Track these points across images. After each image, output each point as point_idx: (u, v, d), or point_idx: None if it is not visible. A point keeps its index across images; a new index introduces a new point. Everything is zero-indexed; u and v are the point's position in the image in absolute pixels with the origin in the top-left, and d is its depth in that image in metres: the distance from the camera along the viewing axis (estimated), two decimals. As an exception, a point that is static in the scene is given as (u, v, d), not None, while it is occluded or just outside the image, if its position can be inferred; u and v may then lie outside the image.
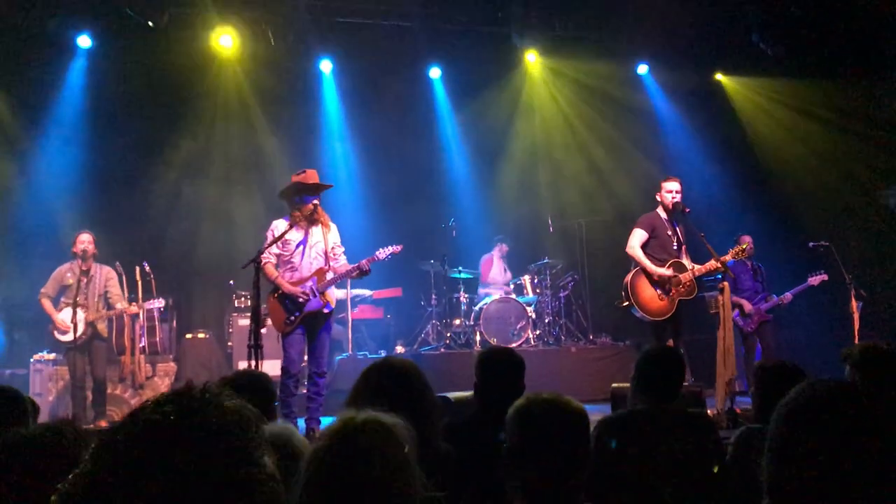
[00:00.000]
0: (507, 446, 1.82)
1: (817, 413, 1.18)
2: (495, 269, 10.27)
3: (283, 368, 6.29)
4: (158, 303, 7.94)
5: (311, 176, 6.47)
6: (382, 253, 6.46)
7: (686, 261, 6.80)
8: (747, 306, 8.25)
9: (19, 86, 9.35)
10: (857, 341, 7.33)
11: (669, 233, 6.83)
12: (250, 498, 0.97)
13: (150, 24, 9.20)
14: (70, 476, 0.94)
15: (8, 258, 8.90)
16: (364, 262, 6.29)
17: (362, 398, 2.44)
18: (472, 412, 3.11)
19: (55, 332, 7.43)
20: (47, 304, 7.44)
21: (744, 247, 6.83)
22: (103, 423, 7.12)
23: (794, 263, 9.05)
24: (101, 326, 7.52)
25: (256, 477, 0.98)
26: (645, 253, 6.79)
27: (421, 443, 1.68)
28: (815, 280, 8.33)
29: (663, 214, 6.88)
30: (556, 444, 1.76)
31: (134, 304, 7.72)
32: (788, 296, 8.32)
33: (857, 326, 7.60)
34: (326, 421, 6.32)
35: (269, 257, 6.29)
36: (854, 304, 7.67)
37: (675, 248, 6.83)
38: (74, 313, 7.22)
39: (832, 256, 8.04)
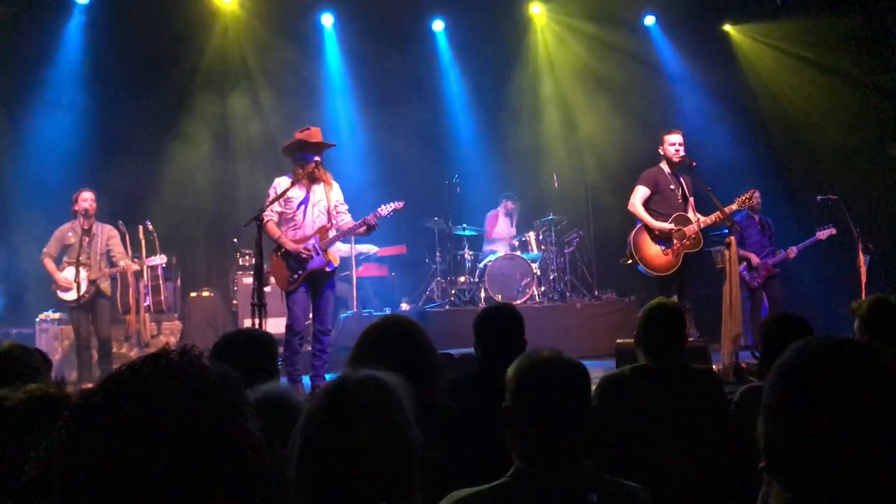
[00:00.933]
0: (506, 405, 1.79)
1: (813, 370, 1.13)
2: (500, 225, 10.21)
3: (287, 326, 6.30)
4: (161, 259, 7.94)
5: (315, 133, 6.40)
6: (384, 209, 6.43)
7: (691, 214, 6.73)
8: (755, 259, 8.18)
9: (15, 43, 9.21)
10: (864, 295, 7.29)
11: (673, 187, 6.75)
12: (235, 463, 0.93)
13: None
14: (44, 443, 0.90)
15: (8, 218, 8.88)
16: (370, 216, 6.26)
17: (363, 357, 2.42)
18: (473, 370, 3.09)
19: (58, 292, 7.42)
20: (49, 264, 7.41)
21: (749, 195, 6.73)
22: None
23: (802, 217, 8.97)
24: (105, 285, 7.51)
25: (241, 442, 0.94)
26: (648, 209, 6.72)
27: (422, 401, 1.65)
28: (822, 234, 8.26)
29: (666, 168, 6.79)
30: (556, 403, 1.73)
31: (136, 260, 7.72)
32: (794, 250, 8.26)
33: (864, 280, 7.55)
34: (331, 378, 6.36)
35: (270, 215, 6.24)
36: (861, 257, 7.62)
37: (680, 201, 6.75)
38: (77, 272, 7.22)
39: (840, 210, 7.96)
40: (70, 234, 7.42)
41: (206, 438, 0.91)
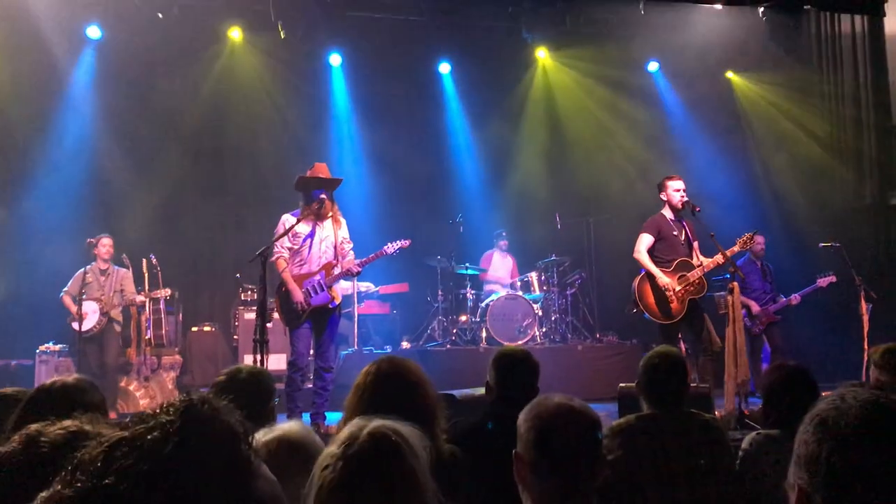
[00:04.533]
0: (516, 451, 1.79)
1: (858, 430, 1.15)
2: (497, 264, 10.24)
3: (289, 362, 6.31)
4: (165, 292, 8.18)
5: (321, 169, 6.48)
6: (391, 247, 6.48)
7: (695, 259, 6.74)
8: (755, 307, 8.22)
9: (28, 78, 9.33)
10: (866, 343, 7.29)
11: (676, 232, 6.76)
12: None
13: (160, 15, 9.18)
14: (54, 490, 0.91)
15: (8, 252, 8.93)
16: (388, 246, 6.36)
17: (362, 400, 2.40)
18: (486, 414, 3.06)
19: (73, 324, 7.71)
20: (67, 301, 7.86)
21: (749, 236, 6.75)
22: (112, 415, 7.15)
23: (803, 264, 8.99)
24: (115, 312, 7.95)
25: (252, 496, 0.95)
26: (653, 255, 6.72)
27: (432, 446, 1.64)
28: (823, 282, 8.30)
29: (669, 214, 6.80)
30: (571, 454, 1.73)
31: (142, 293, 8.06)
32: (797, 297, 8.29)
33: (866, 328, 7.55)
34: (332, 416, 6.31)
35: (281, 251, 6.30)
36: (864, 305, 7.63)
37: (684, 247, 6.77)
38: (83, 305, 7.53)
39: (842, 257, 8.00)
40: (89, 275, 7.82)
41: (224, 492, 0.92)
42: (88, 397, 2.43)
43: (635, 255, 6.78)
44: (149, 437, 0.94)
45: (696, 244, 6.83)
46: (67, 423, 1.59)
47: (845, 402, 1.18)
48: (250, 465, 0.99)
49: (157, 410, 0.98)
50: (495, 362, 3.17)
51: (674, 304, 6.56)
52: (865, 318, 7.58)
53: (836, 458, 1.14)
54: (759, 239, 8.56)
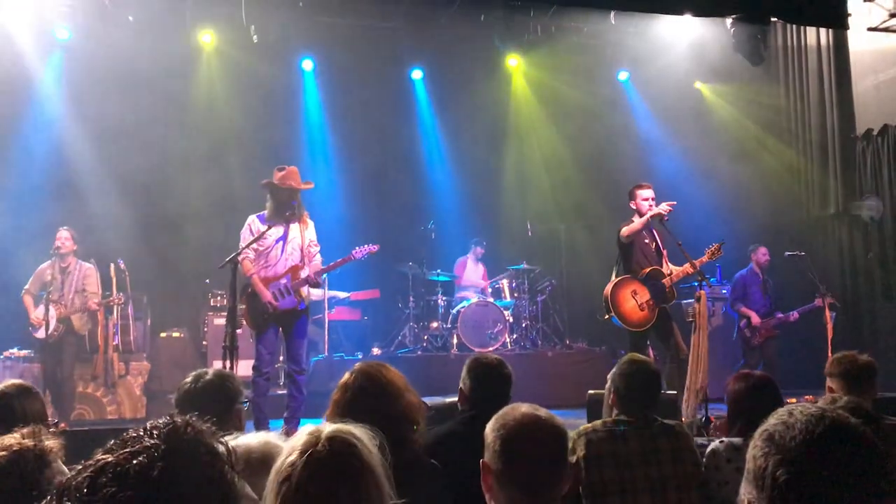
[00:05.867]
0: (483, 461, 1.81)
1: (801, 446, 1.17)
2: (470, 271, 10.28)
3: (254, 367, 6.22)
4: (118, 299, 7.73)
5: (292, 174, 6.41)
6: (359, 252, 6.45)
7: (665, 267, 6.82)
8: (755, 319, 8.41)
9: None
10: (830, 352, 7.41)
11: (647, 240, 6.85)
12: None
13: (130, 18, 9.09)
14: None
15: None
16: (356, 251, 6.32)
17: (337, 415, 2.40)
18: (458, 422, 3.07)
19: (31, 329, 7.45)
20: (27, 301, 7.51)
21: (717, 247, 6.83)
22: (64, 426, 7.03)
23: (769, 272, 9.10)
24: (78, 323, 7.50)
25: None
26: (626, 260, 6.79)
27: (397, 450, 1.65)
28: (820, 301, 8.43)
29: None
30: (537, 465, 1.75)
31: (120, 296, 7.71)
32: (795, 314, 8.48)
33: (830, 335, 7.68)
34: (305, 423, 6.26)
35: (247, 252, 6.22)
36: (828, 314, 7.77)
37: (655, 254, 6.85)
38: (47, 310, 7.23)
39: (807, 266, 8.15)
40: (48, 271, 7.45)
41: None
42: (27, 404, 2.40)
43: (624, 232, 6.75)
44: (134, 461, 0.94)
45: (665, 253, 6.91)
46: (9, 441, 1.58)
47: (792, 417, 1.21)
48: (234, 486, 1.00)
49: (141, 433, 0.98)
50: (470, 370, 3.18)
51: (644, 313, 6.64)
52: (829, 326, 7.72)
53: (781, 471, 1.16)
54: (763, 250, 8.77)
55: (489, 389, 3.09)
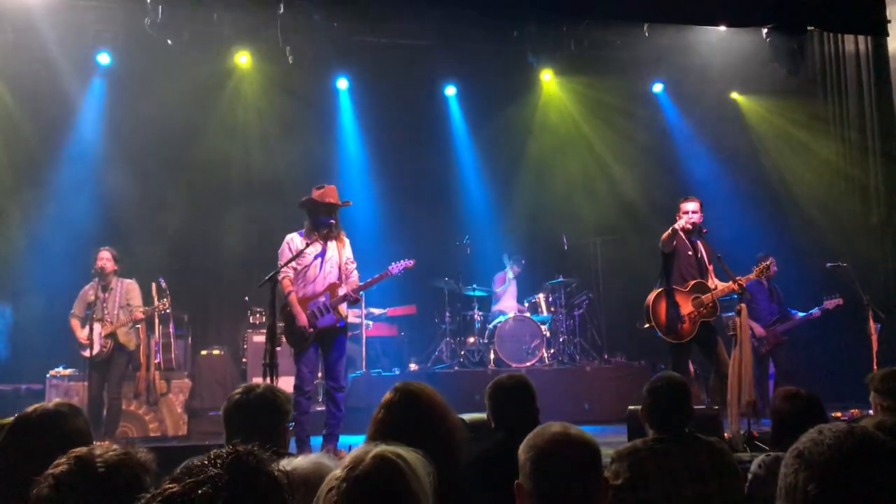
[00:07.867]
0: (518, 483, 1.82)
1: (831, 467, 1.20)
2: (509, 286, 10.25)
3: (295, 386, 6.25)
4: (163, 305, 7.79)
5: (330, 192, 6.46)
6: (395, 267, 6.49)
7: (710, 281, 6.74)
8: (759, 330, 8.25)
9: (40, 104, 9.44)
10: (875, 364, 7.27)
11: (690, 252, 6.76)
12: None
13: (169, 42, 9.28)
14: None
15: (30, 274, 8.99)
16: (393, 266, 6.35)
17: (380, 433, 2.41)
18: (491, 445, 3.08)
19: (79, 348, 7.56)
20: (74, 323, 7.61)
21: (767, 264, 6.77)
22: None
23: (809, 284, 8.98)
24: (125, 338, 7.57)
25: None
26: (669, 273, 6.71)
27: (441, 471, 1.66)
28: (830, 304, 8.34)
29: (682, 234, 6.81)
30: (569, 485, 1.75)
31: (162, 303, 7.76)
32: (817, 312, 8.36)
33: (875, 348, 7.53)
34: (345, 439, 6.29)
35: (287, 271, 6.29)
36: (872, 325, 7.62)
37: (697, 267, 6.76)
38: (91, 329, 7.36)
39: (850, 277, 8.00)
40: (91, 292, 7.58)
41: None
42: (71, 423, 2.43)
43: (664, 238, 6.69)
44: (199, 491, 0.97)
45: (710, 267, 6.82)
46: (113, 445, 1.64)
47: (821, 434, 1.24)
48: None
49: (206, 462, 1.01)
50: (489, 395, 3.22)
51: (685, 325, 6.55)
52: (874, 338, 7.58)
53: (812, 486, 1.18)
54: (772, 260, 8.60)
55: (511, 410, 3.13)
